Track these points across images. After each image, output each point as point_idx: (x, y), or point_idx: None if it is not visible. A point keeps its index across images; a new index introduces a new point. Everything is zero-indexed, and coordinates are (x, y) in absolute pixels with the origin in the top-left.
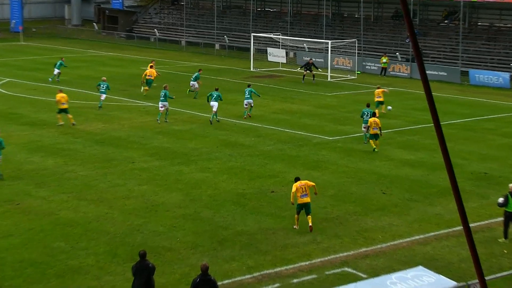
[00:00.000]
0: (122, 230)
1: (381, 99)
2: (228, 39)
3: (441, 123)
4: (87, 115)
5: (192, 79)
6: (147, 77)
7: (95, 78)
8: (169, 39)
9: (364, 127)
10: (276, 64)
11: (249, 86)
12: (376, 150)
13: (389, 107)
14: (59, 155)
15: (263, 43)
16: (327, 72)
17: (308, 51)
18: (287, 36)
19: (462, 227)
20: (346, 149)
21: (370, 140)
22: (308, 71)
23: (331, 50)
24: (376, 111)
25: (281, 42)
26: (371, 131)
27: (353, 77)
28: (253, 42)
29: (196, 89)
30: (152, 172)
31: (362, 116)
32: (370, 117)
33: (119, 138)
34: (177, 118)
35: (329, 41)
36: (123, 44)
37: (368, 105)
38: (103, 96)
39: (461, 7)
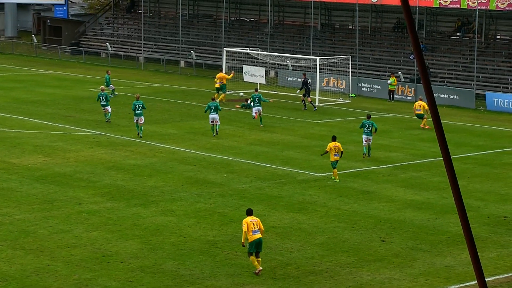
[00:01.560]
0: (67, 286)
1: (420, 112)
2: (195, 55)
3: (452, 156)
4: (24, 147)
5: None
6: (220, 82)
7: (33, 102)
8: (124, 54)
9: (365, 141)
10: (253, 85)
11: (256, 90)
12: (336, 180)
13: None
14: None
15: (237, 60)
16: (315, 95)
17: (293, 69)
18: (267, 51)
19: (476, 282)
20: (338, 188)
21: (334, 169)
22: (306, 94)
23: (320, 69)
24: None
25: (260, 59)
26: (332, 158)
27: (346, 101)
28: (226, 59)
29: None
30: (103, 215)
31: (362, 127)
32: (371, 130)
33: (63, 174)
34: (133, 151)
35: (318, 58)
36: (67, 61)
37: (368, 117)
38: (109, 109)
39: (476, 17)
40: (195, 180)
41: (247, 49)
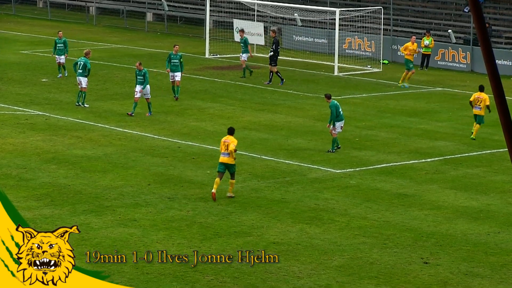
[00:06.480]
0: None
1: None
2: (168, 5)
3: None
4: None
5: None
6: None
7: None
8: (69, 4)
9: (341, 128)
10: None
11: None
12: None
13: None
14: None
15: (226, 12)
16: (333, 62)
17: (303, 25)
18: (267, 0)
19: None
20: (364, 190)
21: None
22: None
23: (340, 25)
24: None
25: (257, 11)
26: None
27: (376, 70)
28: (210, 10)
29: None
30: (40, 226)
31: (335, 112)
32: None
33: None
34: (81, 137)
35: (337, 10)
36: None
37: (328, 97)
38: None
39: None
40: (167, 178)
41: None
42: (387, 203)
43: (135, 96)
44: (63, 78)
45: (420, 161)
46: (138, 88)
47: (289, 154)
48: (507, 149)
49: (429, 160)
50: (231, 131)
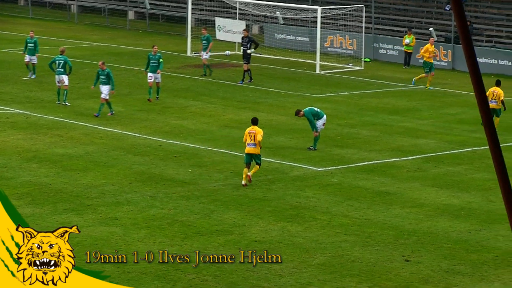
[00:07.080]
0: None
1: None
2: (149, 3)
3: (502, 145)
4: None
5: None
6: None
7: None
8: (50, 2)
9: (323, 125)
10: (230, 44)
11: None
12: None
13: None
14: None
15: (208, 10)
16: (315, 60)
17: (284, 23)
18: None
19: None
20: (345, 188)
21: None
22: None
23: (321, 23)
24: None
25: (239, 8)
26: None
27: (358, 68)
28: (191, 8)
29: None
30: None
31: (315, 115)
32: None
33: None
34: (63, 135)
35: (319, 8)
36: None
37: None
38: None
39: None
40: (149, 177)
41: None
42: (368, 201)
43: (103, 97)
44: (44, 77)
45: (402, 159)
46: (102, 88)
47: (271, 152)
48: (488, 147)
49: (410, 158)
50: (255, 121)
